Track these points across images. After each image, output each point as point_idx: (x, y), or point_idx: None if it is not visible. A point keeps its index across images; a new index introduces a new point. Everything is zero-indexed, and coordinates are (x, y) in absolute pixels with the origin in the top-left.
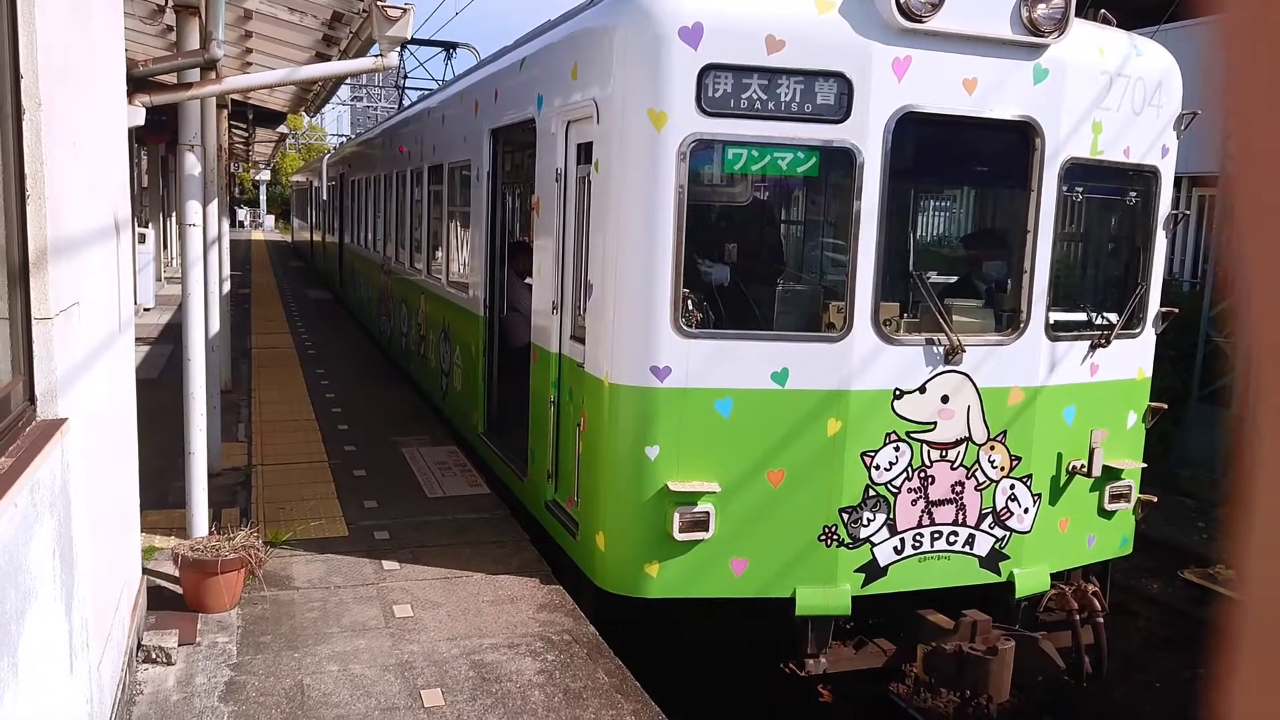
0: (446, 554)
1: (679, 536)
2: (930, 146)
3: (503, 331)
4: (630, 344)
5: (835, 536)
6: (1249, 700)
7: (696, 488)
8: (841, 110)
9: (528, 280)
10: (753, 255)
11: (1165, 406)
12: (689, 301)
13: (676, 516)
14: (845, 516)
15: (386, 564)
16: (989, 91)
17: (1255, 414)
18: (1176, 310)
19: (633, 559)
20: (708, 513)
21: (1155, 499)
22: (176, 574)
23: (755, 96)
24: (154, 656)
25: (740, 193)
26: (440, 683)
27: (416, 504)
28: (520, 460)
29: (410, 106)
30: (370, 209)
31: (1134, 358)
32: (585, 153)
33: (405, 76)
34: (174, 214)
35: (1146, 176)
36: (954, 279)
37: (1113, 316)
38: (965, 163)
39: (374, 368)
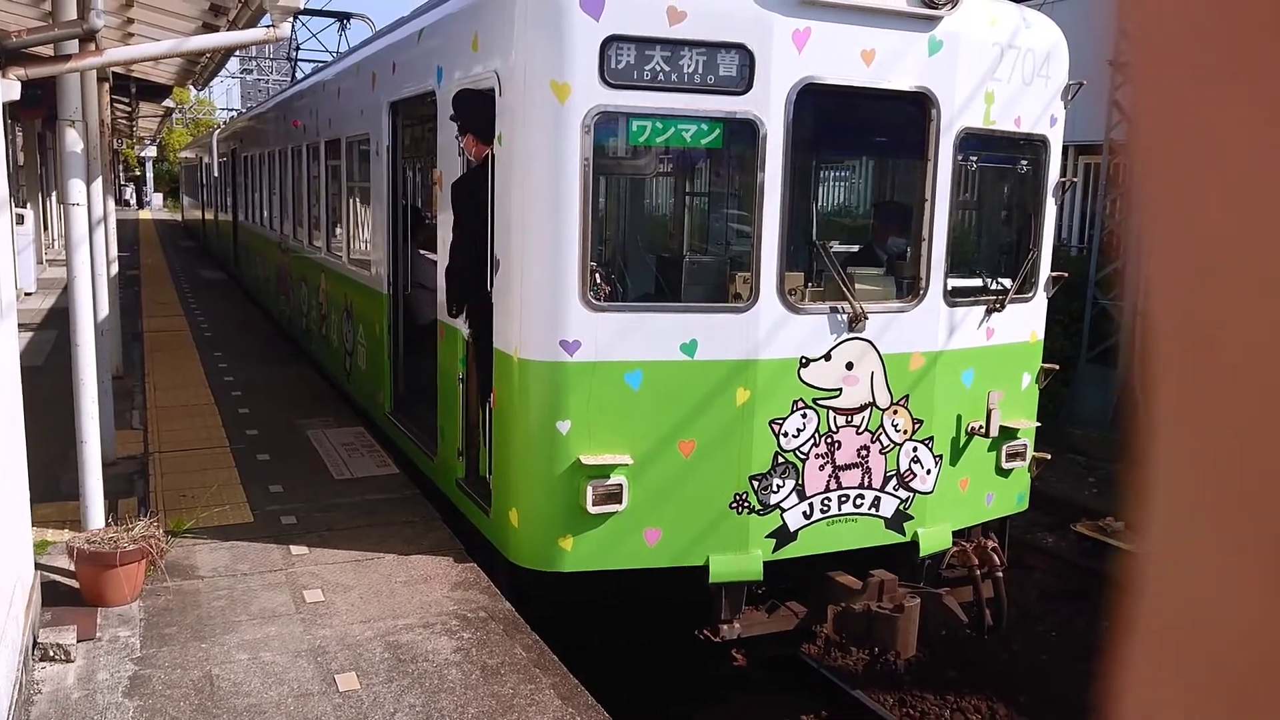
0: (357, 536)
1: (592, 510)
2: (831, 117)
3: (408, 308)
4: (539, 319)
5: (746, 504)
6: (1141, 681)
7: (609, 461)
8: (744, 82)
9: (432, 256)
10: (659, 228)
11: (1057, 367)
12: (597, 275)
13: (589, 490)
14: (755, 484)
15: (295, 549)
16: (886, 63)
17: (1151, 396)
18: (1066, 275)
19: (547, 534)
20: (620, 485)
21: (1049, 456)
22: (72, 568)
23: (658, 68)
24: (51, 654)
25: (645, 165)
26: (355, 666)
27: (324, 487)
28: (430, 439)
29: (304, 79)
30: (266, 185)
31: (1027, 321)
32: None
33: (298, 48)
34: (54, 193)
35: (1036, 145)
36: (856, 248)
37: (1007, 282)
38: (865, 133)
39: (274, 349)
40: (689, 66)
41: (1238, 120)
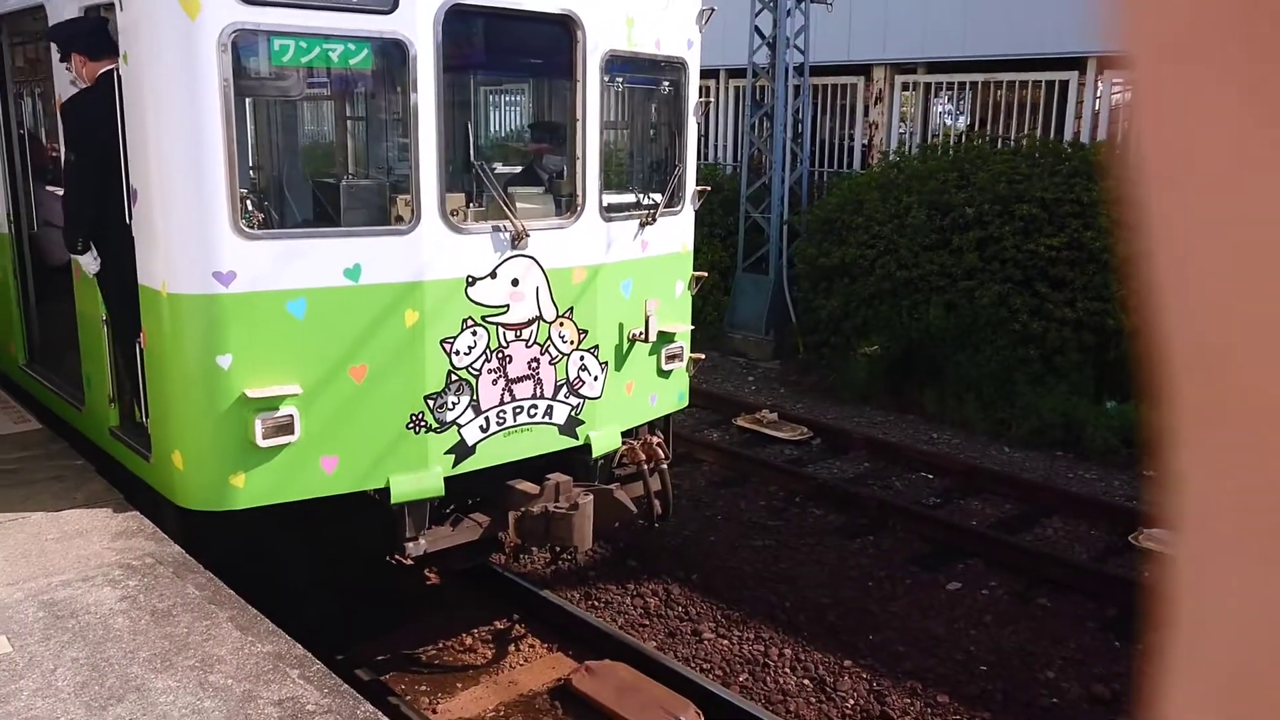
0: None
1: (263, 443)
2: (482, 39)
3: (36, 249)
4: (187, 251)
5: (423, 423)
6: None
7: (276, 392)
8: (389, 2)
9: (60, 192)
10: (317, 152)
11: (705, 275)
12: (248, 202)
13: (258, 423)
14: (431, 403)
15: None
16: None
17: (1172, 417)
18: (709, 189)
19: (216, 473)
20: (291, 416)
21: (703, 357)
22: None
23: None
24: None
25: (292, 87)
26: (4, 630)
27: None
28: (76, 389)
29: None
30: None
31: (677, 233)
32: None
33: None
34: None
35: (677, 67)
36: (518, 169)
37: (657, 197)
38: (517, 54)
39: None
40: None
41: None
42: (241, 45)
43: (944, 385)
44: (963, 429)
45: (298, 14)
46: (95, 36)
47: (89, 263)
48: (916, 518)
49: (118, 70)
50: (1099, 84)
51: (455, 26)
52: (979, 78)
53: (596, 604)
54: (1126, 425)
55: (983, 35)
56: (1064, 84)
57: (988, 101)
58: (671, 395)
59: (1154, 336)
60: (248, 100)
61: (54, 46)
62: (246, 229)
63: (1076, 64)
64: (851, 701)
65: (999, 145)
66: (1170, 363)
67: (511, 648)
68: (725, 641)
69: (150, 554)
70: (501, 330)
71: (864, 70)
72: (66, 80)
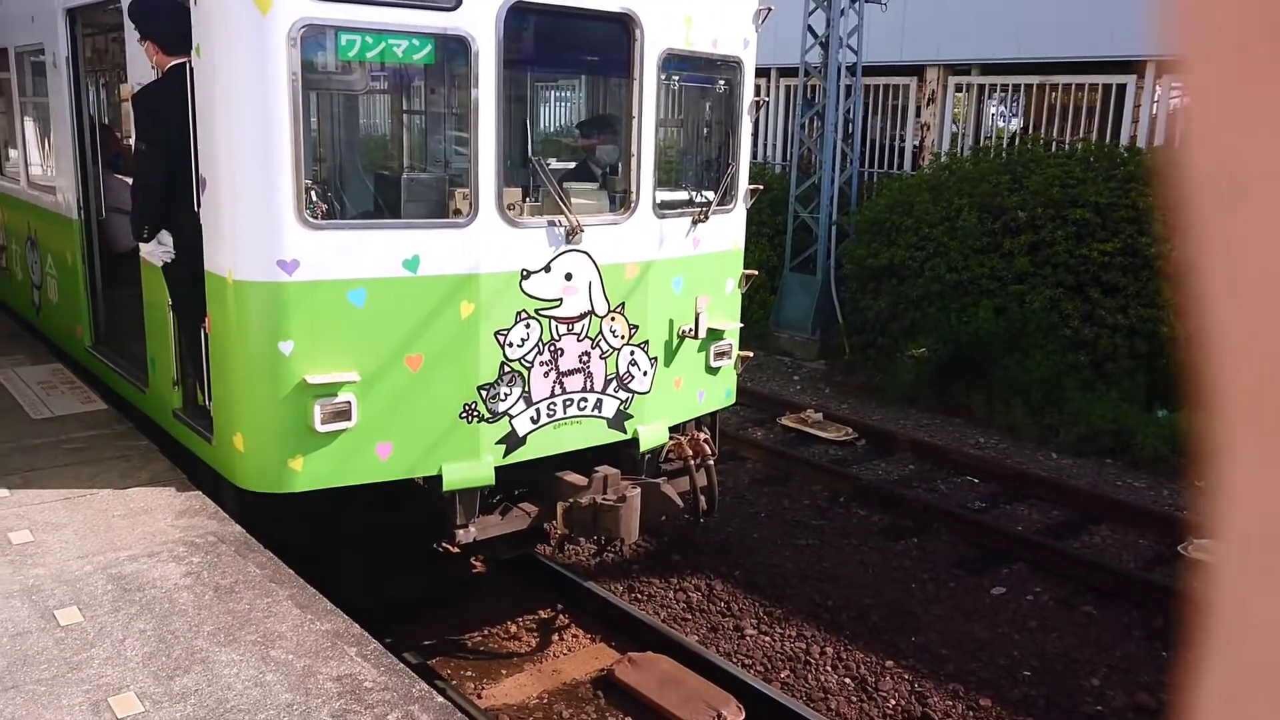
0: (65, 475)
1: (321, 429)
2: (542, 36)
3: (104, 235)
4: (253, 239)
5: (475, 413)
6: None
7: (335, 378)
8: None
9: (130, 180)
10: (378, 145)
11: (756, 273)
12: (313, 193)
13: (317, 409)
14: (484, 393)
15: None
16: None
17: (1222, 421)
18: (761, 187)
19: (276, 456)
20: (349, 402)
21: (751, 355)
22: None
23: None
24: None
25: (358, 81)
26: (75, 600)
27: (21, 427)
28: (140, 371)
29: None
30: None
31: (729, 231)
32: None
33: None
34: None
35: (732, 66)
36: (572, 164)
37: (710, 194)
38: (575, 52)
39: None
40: None
41: None
42: (310, 40)
43: (992, 389)
44: (1010, 434)
45: (364, 10)
46: (174, 30)
47: (154, 251)
48: (961, 521)
49: (190, 63)
50: (1156, 88)
51: (516, 23)
52: (1033, 80)
53: (640, 597)
54: (1178, 434)
55: (1038, 37)
56: (1120, 88)
57: (1042, 104)
58: (719, 392)
59: (1203, 340)
60: (313, 93)
61: (130, 24)
62: (311, 219)
63: (1133, 67)
64: (893, 702)
65: (1053, 149)
66: (1217, 365)
67: (555, 637)
68: (767, 638)
69: (213, 532)
70: (554, 323)
71: (917, 71)
72: (139, 67)
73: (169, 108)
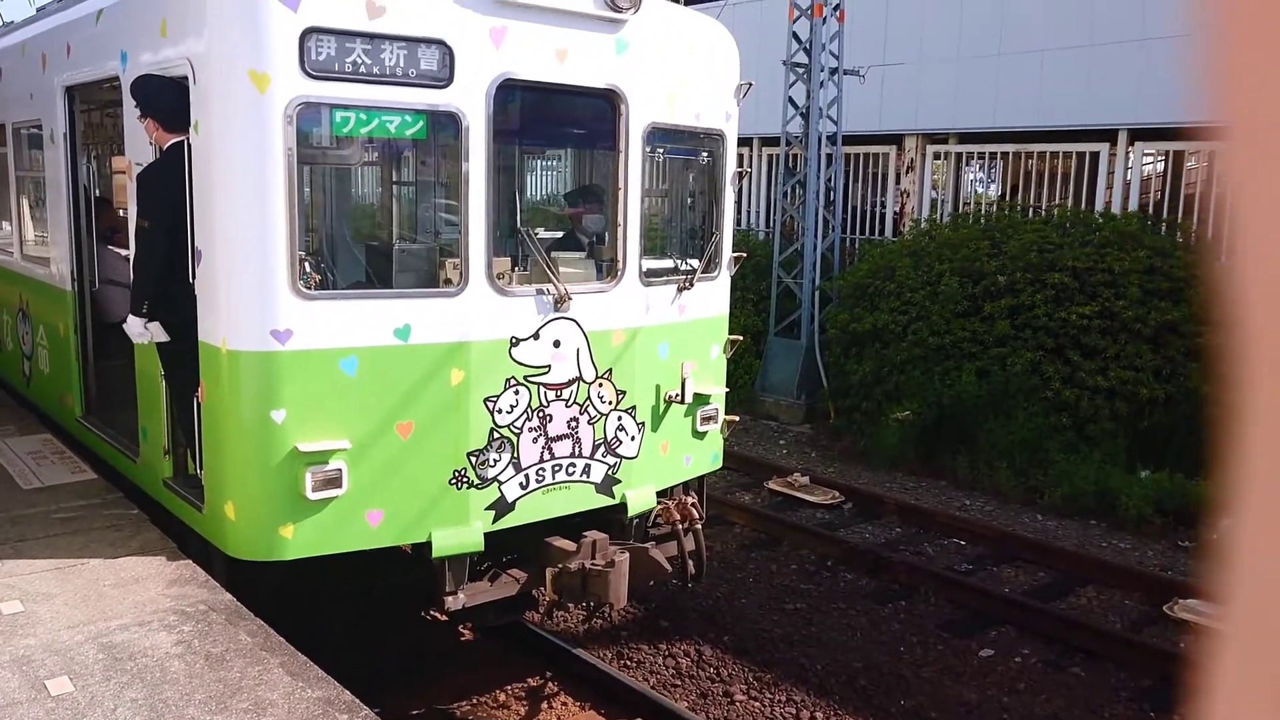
0: (55, 544)
1: (312, 496)
2: (530, 111)
3: (96, 306)
4: (247, 310)
5: (465, 479)
6: (1233, 686)
7: (327, 446)
8: (445, 76)
9: (123, 252)
10: (369, 217)
11: (741, 338)
12: (306, 264)
13: (308, 476)
14: (473, 459)
15: None
16: (578, 61)
17: (1250, 400)
18: (745, 255)
19: (266, 524)
20: (340, 470)
21: (737, 419)
22: None
23: (360, 61)
24: None
25: (351, 155)
26: (67, 670)
27: (10, 498)
28: (130, 440)
29: None
30: None
31: (714, 298)
32: None
33: None
34: None
35: (715, 138)
36: (559, 234)
37: (695, 262)
38: (562, 126)
39: None
40: (390, 60)
41: None
42: (305, 116)
43: (976, 452)
44: (995, 496)
45: (359, 88)
46: (174, 108)
47: (138, 332)
48: (948, 584)
49: (188, 140)
50: (1129, 155)
51: (506, 99)
52: (1010, 148)
53: (629, 663)
54: (1161, 495)
55: (1014, 107)
56: (1095, 155)
57: (1019, 171)
58: (706, 456)
59: (1238, 338)
60: (307, 167)
61: (130, 101)
62: (304, 290)
63: (1107, 136)
64: None
65: (1030, 214)
66: (1251, 360)
67: (545, 705)
68: (756, 703)
69: (203, 601)
70: (543, 390)
71: (896, 140)
72: (137, 142)
73: (170, 186)
